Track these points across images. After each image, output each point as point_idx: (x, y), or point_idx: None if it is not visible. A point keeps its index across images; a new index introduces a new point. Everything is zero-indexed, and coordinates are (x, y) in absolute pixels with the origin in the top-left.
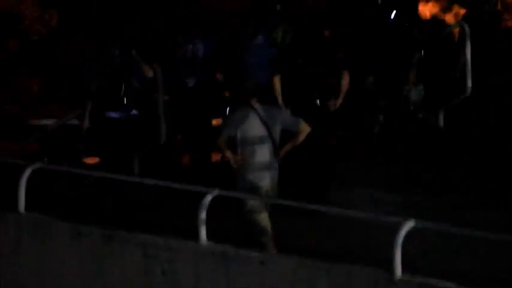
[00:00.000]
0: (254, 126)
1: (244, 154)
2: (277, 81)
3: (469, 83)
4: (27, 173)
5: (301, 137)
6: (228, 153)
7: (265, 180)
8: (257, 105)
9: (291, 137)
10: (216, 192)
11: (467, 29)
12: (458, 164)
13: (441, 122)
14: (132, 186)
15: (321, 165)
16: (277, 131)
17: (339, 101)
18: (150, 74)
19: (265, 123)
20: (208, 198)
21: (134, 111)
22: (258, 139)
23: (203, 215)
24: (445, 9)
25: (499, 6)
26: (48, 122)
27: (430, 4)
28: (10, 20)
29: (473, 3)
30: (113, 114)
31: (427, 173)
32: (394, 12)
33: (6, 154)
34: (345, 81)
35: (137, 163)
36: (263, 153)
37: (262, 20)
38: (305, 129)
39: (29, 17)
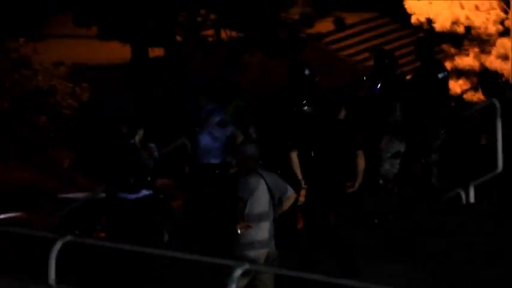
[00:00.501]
0: (262, 198)
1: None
2: (294, 157)
3: (500, 159)
4: (58, 245)
5: (289, 204)
6: (241, 225)
7: (261, 260)
8: (264, 173)
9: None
10: (246, 266)
11: (498, 105)
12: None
13: (472, 199)
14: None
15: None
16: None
17: (358, 182)
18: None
19: (271, 194)
20: (238, 272)
21: (145, 192)
22: (264, 215)
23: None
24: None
25: None
26: (79, 195)
27: (460, 81)
28: (40, 95)
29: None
30: (125, 196)
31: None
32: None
33: (37, 226)
34: (361, 161)
35: (167, 235)
36: (266, 229)
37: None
38: (293, 196)
39: (61, 91)
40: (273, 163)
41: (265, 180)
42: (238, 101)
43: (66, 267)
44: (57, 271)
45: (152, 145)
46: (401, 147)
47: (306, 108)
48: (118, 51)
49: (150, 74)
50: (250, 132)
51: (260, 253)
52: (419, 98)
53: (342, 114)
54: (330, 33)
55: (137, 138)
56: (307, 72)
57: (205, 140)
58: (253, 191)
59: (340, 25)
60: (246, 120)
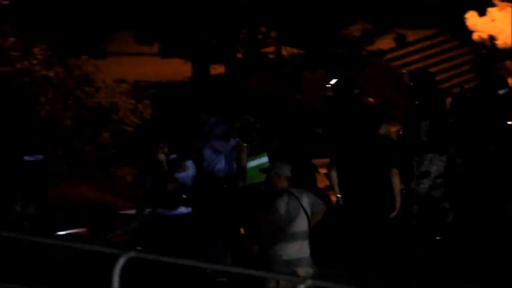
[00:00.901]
0: (297, 217)
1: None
2: (334, 173)
3: None
4: (122, 261)
5: (319, 218)
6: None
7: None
8: (294, 191)
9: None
10: (309, 282)
11: None
12: None
13: None
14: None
15: None
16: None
17: (398, 202)
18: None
19: (305, 211)
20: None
21: (183, 209)
22: (301, 234)
23: None
24: None
25: None
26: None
27: None
28: (102, 112)
29: None
30: (161, 211)
31: None
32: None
33: (100, 243)
34: (396, 179)
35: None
36: (304, 247)
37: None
38: (323, 210)
39: (123, 108)
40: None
41: (297, 198)
42: (247, 115)
43: (129, 283)
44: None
45: (187, 162)
46: (431, 167)
47: (348, 124)
48: (179, 69)
49: (212, 90)
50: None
51: (300, 271)
52: (479, 114)
53: (383, 130)
54: (391, 50)
55: (160, 155)
56: (356, 91)
57: (207, 154)
58: (287, 211)
59: (401, 42)
60: (254, 135)
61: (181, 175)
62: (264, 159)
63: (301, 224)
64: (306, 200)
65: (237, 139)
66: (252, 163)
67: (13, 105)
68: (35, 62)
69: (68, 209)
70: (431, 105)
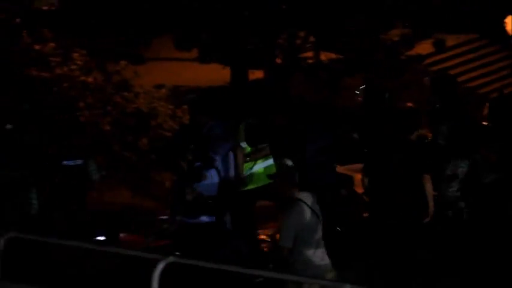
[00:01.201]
0: (309, 223)
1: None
2: (366, 179)
3: None
4: (161, 267)
5: None
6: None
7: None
8: (302, 195)
9: None
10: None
11: None
12: None
13: None
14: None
15: None
16: None
17: (431, 208)
18: None
19: (316, 215)
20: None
21: (205, 218)
22: (318, 239)
23: None
24: None
25: None
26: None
27: None
28: (142, 119)
29: None
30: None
31: None
32: None
33: (139, 248)
34: (429, 185)
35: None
36: (321, 252)
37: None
38: None
39: (162, 113)
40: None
41: (306, 204)
42: (251, 119)
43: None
44: None
45: (209, 171)
46: (457, 170)
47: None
48: (218, 74)
49: (250, 96)
50: (261, 150)
51: (327, 276)
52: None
53: (415, 135)
54: (430, 54)
55: (182, 163)
56: (387, 95)
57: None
58: (299, 220)
59: (440, 47)
60: (258, 138)
61: (204, 184)
62: (270, 162)
63: (320, 229)
64: (314, 203)
65: (234, 143)
66: (258, 166)
67: (52, 111)
68: (74, 67)
69: (105, 214)
70: (452, 109)
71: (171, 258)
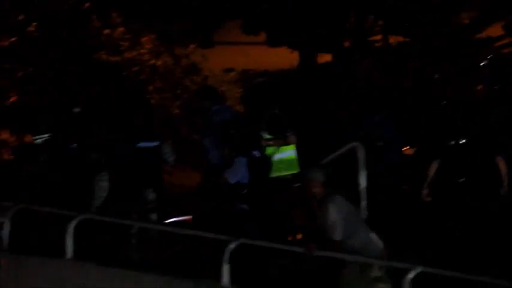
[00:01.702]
0: (352, 216)
1: None
2: (434, 167)
3: None
4: (231, 247)
5: None
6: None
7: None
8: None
9: None
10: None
11: None
12: None
13: None
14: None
15: None
16: None
17: (504, 190)
18: None
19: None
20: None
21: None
22: (364, 227)
23: None
24: None
25: None
26: None
27: None
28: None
29: None
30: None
31: None
32: None
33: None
34: (503, 167)
35: None
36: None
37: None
38: None
39: (230, 97)
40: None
41: (339, 196)
42: (274, 108)
43: (240, 268)
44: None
45: (239, 159)
46: None
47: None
48: (286, 57)
49: (318, 80)
50: (288, 138)
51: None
52: None
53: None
54: (500, 37)
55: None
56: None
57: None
58: (342, 211)
59: (510, 29)
60: (282, 127)
61: (235, 171)
62: (290, 153)
63: (357, 220)
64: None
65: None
66: (278, 156)
67: (123, 94)
68: (143, 51)
69: (175, 197)
70: (508, 91)
71: (240, 240)
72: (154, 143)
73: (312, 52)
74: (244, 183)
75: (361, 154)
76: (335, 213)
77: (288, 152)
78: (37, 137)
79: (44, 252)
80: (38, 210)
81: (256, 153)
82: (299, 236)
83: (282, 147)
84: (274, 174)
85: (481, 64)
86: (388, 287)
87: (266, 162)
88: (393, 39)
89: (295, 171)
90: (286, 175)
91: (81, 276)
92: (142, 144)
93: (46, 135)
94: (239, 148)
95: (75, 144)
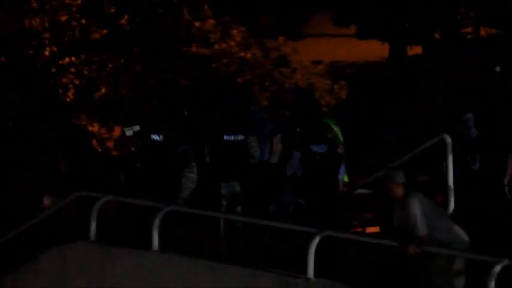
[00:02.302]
0: (433, 210)
1: None
2: None
3: None
4: (316, 240)
5: None
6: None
7: None
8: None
9: None
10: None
11: None
12: None
13: None
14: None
15: None
16: None
17: None
18: None
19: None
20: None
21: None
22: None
23: None
24: None
25: None
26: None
27: None
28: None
29: None
30: None
31: None
32: None
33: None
34: None
35: None
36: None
37: None
38: None
39: (319, 89)
40: None
41: (418, 193)
42: (327, 119)
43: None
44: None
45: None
46: None
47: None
48: (376, 50)
49: (408, 72)
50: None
51: None
52: None
53: None
54: None
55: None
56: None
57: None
58: (424, 206)
59: None
60: (333, 139)
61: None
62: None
63: (438, 212)
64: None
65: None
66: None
67: (209, 86)
68: (233, 43)
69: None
70: None
71: (327, 232)
72: (241, 137)
73: (402, 44)
74: (298, 176)
75: (449, 148)
76: (417, 210)
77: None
78: (128, 128)
79: (131, 243)
80: (126, 201)
81: (319, 148)
82: (369, 230)
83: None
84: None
85: None
86: (463, 281)
87: (332, 157)
88: (484, 31)
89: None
90: None
91: (167, 267)
92: (228, 137)
93: (136, 127)
94: (296, 143)
95: (163, 136)
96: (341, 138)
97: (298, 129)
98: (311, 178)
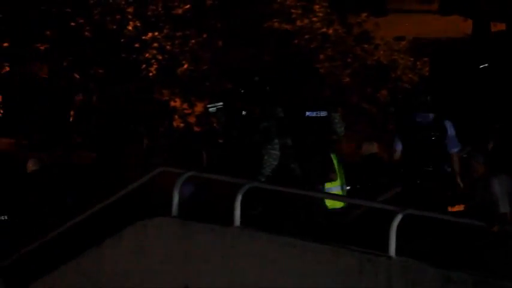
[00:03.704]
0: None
1: None
2: None
3: None
4: (398, 218)
5: None
6: None
7: None
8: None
9: None
10: None
11: None
12: None
13: None
14: None
15: None
16: None
17: None
18: None
19: None
20: None
21: None
22: None
23: None
24: None
25: None
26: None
27: None
28: (382, 71)
29: None
30: None
31: None
32: None
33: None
34: None
35: None
36: None
37: None
38: None
39: (402, 65)
40: None
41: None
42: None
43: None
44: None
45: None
46: None
47: None
48: (460, 26)
49: (492, 49)
50: None
51: None
52: None
53: None
54: None
55: None
56: None
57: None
58: (506, 185)
59: None
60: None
61: None
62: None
63: None
64: None
65: None
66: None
67: (292, 62)
68: (315, 19)
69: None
70: None
71: (408, 211)
72: (324, 113)
73: (486, 20)
74: None
75: None
76: (499, 187)
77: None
78: (211, 105)
79: (212, 219)
80: (207, 177)
81: None
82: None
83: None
84: None
85: None
86: None
87: None
88: None
89: None
90: None
91: (248, 244)
92: (310, 114)
93: (219, 104)
94: None
95: (245, 113)
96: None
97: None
98: None
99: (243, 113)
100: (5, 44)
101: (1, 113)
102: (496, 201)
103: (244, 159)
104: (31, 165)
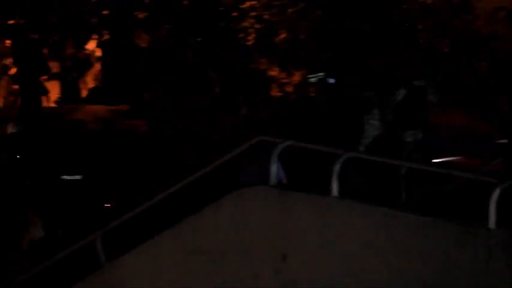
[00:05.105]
0: None
1: None
2: None
3: None
4: (497, 192)
5: None
6: None
7: None
8: None
9: None
10: None
11: None
12: None
13: None
14: None
15: None
16: None
17: None
18: None
19: None
20: None
21: None
22: None
23: None
24: None
25: None
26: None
27: None
28: (479, 41)
29: None
30: None
31: None
32: None
33: (474, 172)
34: None
35: None
36: None
37: None
38: None
39: (503, 37)
40: None
41: None
42: None
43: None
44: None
45: None
46: None
47: None
48: None
49: None
50: None
51: None
52: None
53: None
54: None
55: None
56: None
57: None
58: None
59: None
60: None
61: None
62: None
63: None
64: None
65: None
66: None
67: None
68: None
69: (441, 137)
70: None
71: (505, 184)
72: (418, 82)
73: None
74: None
75: None
76: None
77: None
78: (311, 75)
79: (310, 189)
80: (305, 147)
81: None
82: None
83: None
84: None
85: None
86: None
87: None
88: None
89: None
90: None
91: (345, 213)
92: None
93: (320, 74)
94: None
95: (348, 82)
96: None
97: None
98: None
99: (331, 81)
100: (105, 12)
101: (100, 83)
102: None
103: (343, 129)
104: (10, 128)
